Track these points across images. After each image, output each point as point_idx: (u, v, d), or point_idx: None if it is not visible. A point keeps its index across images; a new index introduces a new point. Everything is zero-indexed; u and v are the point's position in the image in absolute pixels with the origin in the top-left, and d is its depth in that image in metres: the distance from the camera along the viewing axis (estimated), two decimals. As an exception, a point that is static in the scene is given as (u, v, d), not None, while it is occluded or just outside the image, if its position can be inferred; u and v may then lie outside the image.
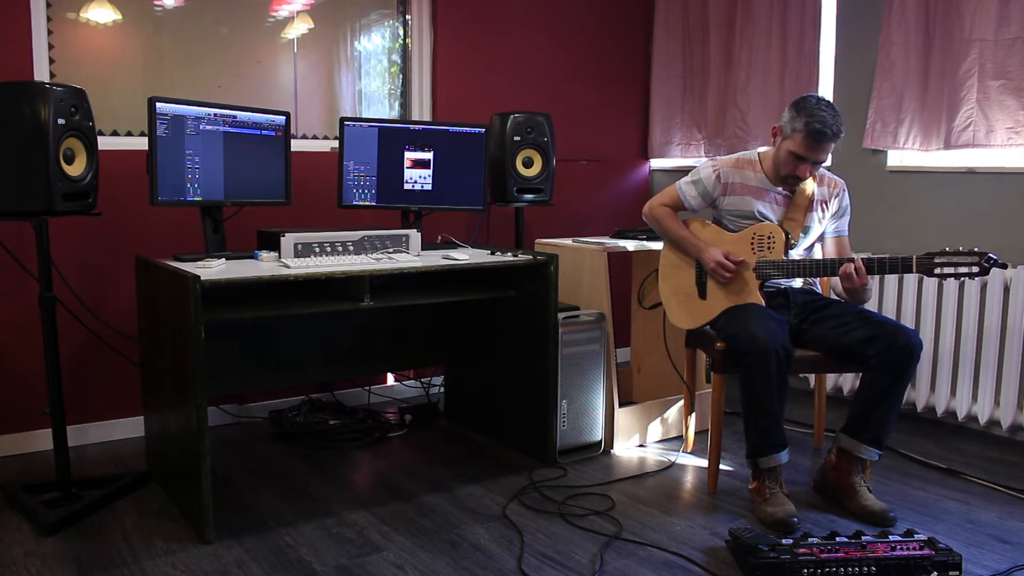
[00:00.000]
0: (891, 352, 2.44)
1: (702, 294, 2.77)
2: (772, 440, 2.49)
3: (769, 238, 2.65)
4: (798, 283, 2.80)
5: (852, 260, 2.49)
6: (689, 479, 2.84)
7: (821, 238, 2.82)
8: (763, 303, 2.63)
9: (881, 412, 2.49)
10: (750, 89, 3.93)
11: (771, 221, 2.70)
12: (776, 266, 2.62)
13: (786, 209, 2.73)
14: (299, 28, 3.57)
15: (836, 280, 2.62)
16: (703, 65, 4.20)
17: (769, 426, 2.49)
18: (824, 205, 2.75)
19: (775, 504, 2.44)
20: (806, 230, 2.74)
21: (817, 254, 2.89)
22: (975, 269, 2.34)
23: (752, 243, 2.68)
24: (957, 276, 2.37)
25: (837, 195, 2.77)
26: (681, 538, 2.36)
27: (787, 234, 2.65)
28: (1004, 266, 2.36)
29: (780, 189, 2.72)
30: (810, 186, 2.72)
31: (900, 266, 2.44)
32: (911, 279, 3.33)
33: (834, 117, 2.54)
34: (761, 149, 2.80)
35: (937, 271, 2.39)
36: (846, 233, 2.82)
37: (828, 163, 3.64)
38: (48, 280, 2.45)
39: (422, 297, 2.83)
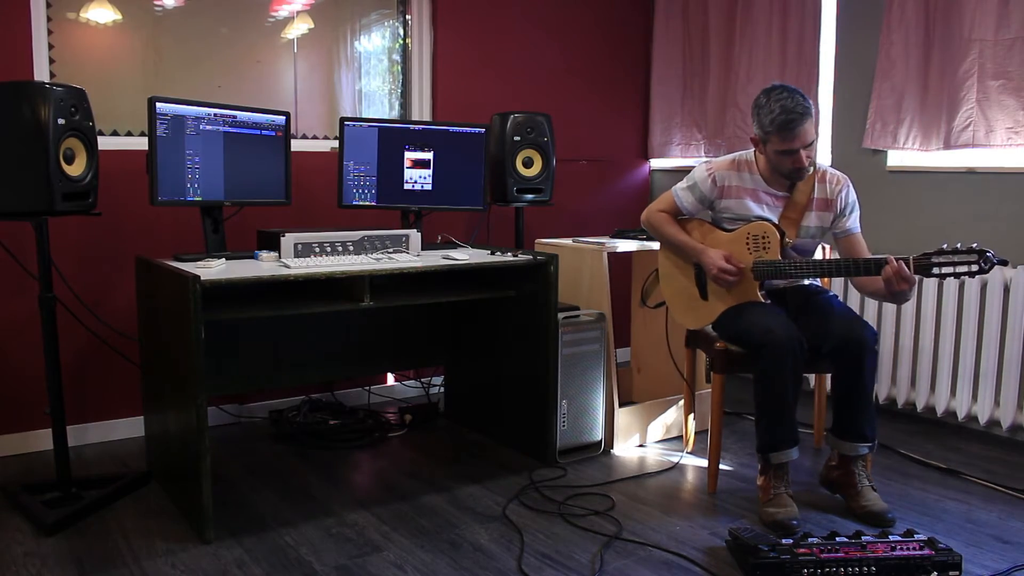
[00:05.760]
0: (841, 348, 2.45)
1: (703, 295, 2.77)
2: (784, 435, 2.49)
3: (764, 238, 2.61)
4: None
5: (887, 261, 2.35)
6: (689, 479, 2.84)
7: (835, 240, 2.75)
8: (763, 301, 2.63)
9: (855, 407, 2.50)
10: (750, 89, 3.93)
11: (769, 221, 2.65)
12: (773, 267, 2.58)
13: (783, 208, 2.69)
14: (299, 28, 3.57)
15: (862, 280, 2.56)
16: (703, 65, 4.20)
17: (782, 421, 2.48)
18: (829, 204, 2.67)
19: (777, 505, 2.45)
20: (805, 230, 2.68)
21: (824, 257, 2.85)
22: (974, 268, 2.28)
23: (747, 243, 2.64)
24: (956, 276, 2.31)
25: (840, 192, 2.67)
26: (681, 538, 2.36)
27: (782, 233, 2.61)
28: (1005, 262, 2.31)
29: (776, 189, 2.68)
30: (810, 185, 2.66)
31: None
32: (911, 279, 3.33)
33: (792, 97, 2.48)
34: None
35: (935, 271, 2.33)
36: (857, 230, 2.70)
37: (829, 161, 3.66)
38: (48, 280, 2.45)
39: (422, 297, 2.83)
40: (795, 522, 2.39)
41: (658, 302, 3.15)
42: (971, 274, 2.30)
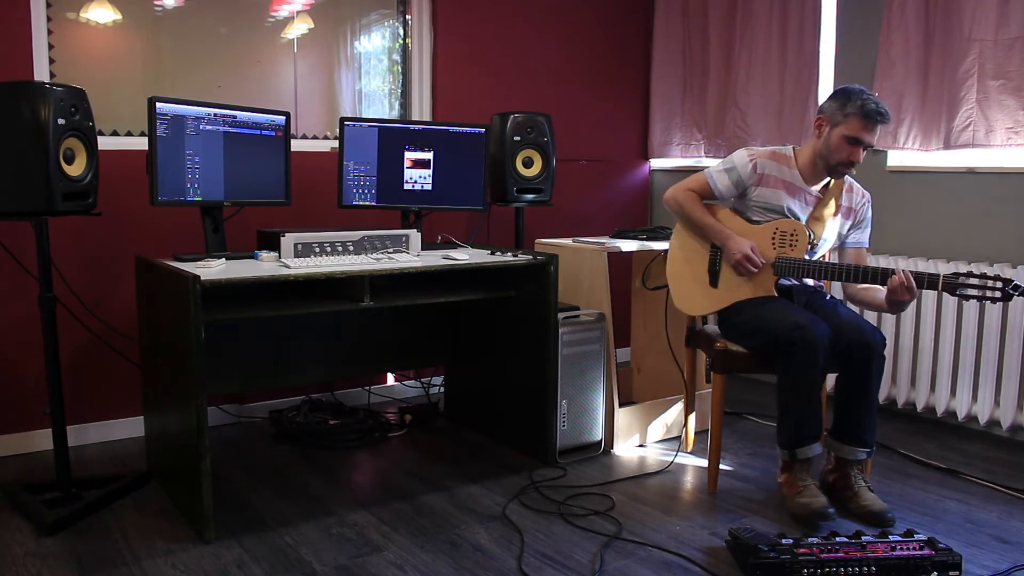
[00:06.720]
0: (850, 351, 2.47)
1: (713, 282, 2.75)
2: (810, 430, 2.49)
3: (792, 235, 2.63)
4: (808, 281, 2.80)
5: (894, 272, 2.43)
6: (689, 479, 2.84)
7: (841, 246, 2.81)
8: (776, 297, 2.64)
9: (857, 411, 2.51)
10: (750, 89, 3.93)
11: (798, 218, 2.69)
12: (795, 265, 2.60)
13: (814, 208, 2.71)
14: (299, 28, 3.57)
15: (859, 288, 2.65)
16: (703, 65, 4.20)
17: (809, 416, 2.49)
18: (850, 213, 2.75)
19: (809, 496, 2.45)
20: (828, 233, 2.73)
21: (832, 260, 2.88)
22: (996, 294, 2.34)
23: (773, 238, 2.65)
24: (980, 299, 2.36)
25: (863, 205, 2.76)
26: (681, 538, 2.36)
27: (810, 234, 2.64)
28: None
29: (812, 189, 2.71)
30: (840, 191, 2.72)
31: (925, 282, 2.39)
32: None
33: (884, 104, 2.56)
34: (796, 146, 2.78)
35: (959, 292, 2.38)
36: (866, 245, 2.81)
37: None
38: (48, 280, 2.45)
39: (422, 297, 2.83)
40: (831, 510, 2.40)
41: (658, 284, 3.12)
42: (992, 300, 2.35)
